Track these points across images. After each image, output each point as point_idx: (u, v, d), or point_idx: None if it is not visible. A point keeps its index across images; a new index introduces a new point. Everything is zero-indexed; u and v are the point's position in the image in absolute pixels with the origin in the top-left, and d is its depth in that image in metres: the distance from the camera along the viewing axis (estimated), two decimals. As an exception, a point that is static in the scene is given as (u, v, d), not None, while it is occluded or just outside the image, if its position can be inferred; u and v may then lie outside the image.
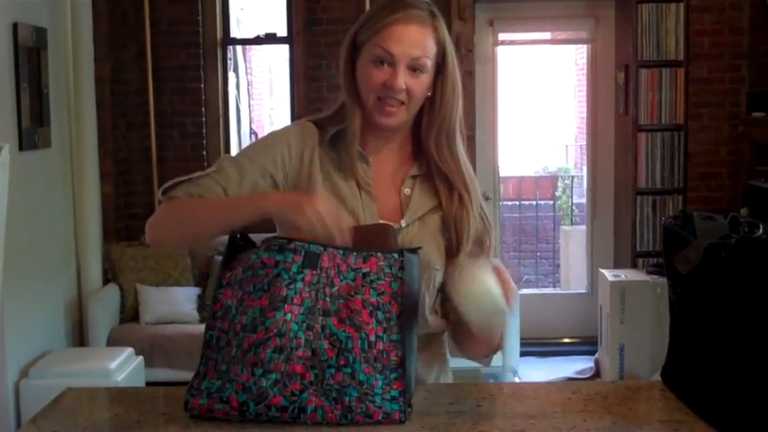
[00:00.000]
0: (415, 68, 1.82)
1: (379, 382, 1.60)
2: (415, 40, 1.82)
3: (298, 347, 1.59)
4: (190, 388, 1.65)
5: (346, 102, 1.90)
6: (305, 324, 1.60)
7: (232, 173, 1.86)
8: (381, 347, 1.61)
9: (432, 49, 1.84)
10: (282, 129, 1.99)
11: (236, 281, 1.66)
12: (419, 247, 1.73)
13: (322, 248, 1.64)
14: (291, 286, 1.61)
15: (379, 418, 1.60)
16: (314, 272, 1.62)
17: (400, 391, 1.61)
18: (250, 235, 1.77)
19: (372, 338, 1.60)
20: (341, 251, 1.65)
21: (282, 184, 1.89)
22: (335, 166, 1.90)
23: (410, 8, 1.83)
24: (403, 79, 1.81)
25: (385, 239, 1.74)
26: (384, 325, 1.61)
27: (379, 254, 1.67)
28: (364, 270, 1.64)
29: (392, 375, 1.61)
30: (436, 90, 1.88)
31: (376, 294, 1.63)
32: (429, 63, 1.84)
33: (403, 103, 1.84)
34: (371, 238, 1.73)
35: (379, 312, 1.62)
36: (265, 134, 2.01)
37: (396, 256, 1.67)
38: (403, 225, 1.88)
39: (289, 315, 1.60)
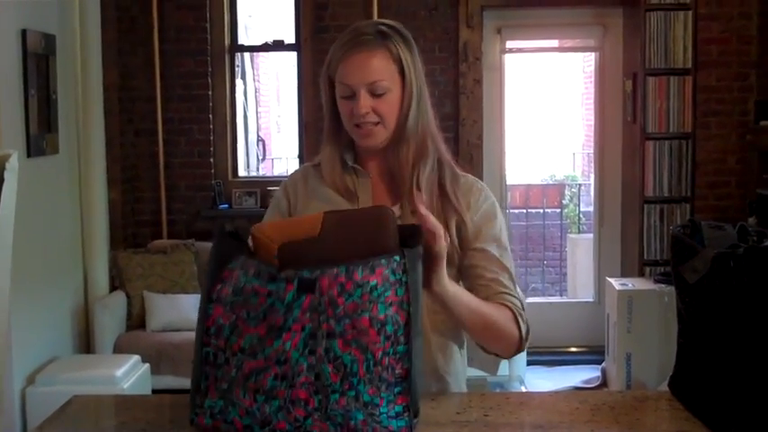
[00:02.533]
0: (375, 92, 1.92)
1: (384, 401, 1.56)
2: (367, 68, 1.92)
3: (300, 373, 1.55)
4: (194, 406, 1.63)
5: (324, 135, 2.04)
6: (307, 349, 1.55)
7: None
8: (387, 363, 1.56)
9: (387, 69, 1.93)
10: (282, 183, 2.15)
11: (226, 301, 1.60)
12: (417, 226, 1.68)
13: (318, 272, 1.57)
14: (288, 314, 1.56)
15: None
16: (312, 296, 1.56)
17: (404, 406, 1.58)
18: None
19: (379, 356, 1.55)
20: (343, 269, 1.57)
21: None
22: (336, 191, 2.02)
23: (358, 36, 1.94)
24: (366, 104, 1.92)
25: (381, 225, 1.65)
26: (392, 339, 1.56)
27: (383, 260, 1.59)
28: (371, 283, 1.57)
29: (396, 389, 1.58)
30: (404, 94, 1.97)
31: (384, 309, 1.56)
32: (387, 84, 1.93)
33: (378, 123, 1.94)
34: (362, 226, 1.65)
35: (387, 327, 1.55)
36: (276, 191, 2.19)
37: (397, 259, 1.59)
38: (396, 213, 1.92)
39: (288, 343, 1.55)
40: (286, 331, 1.55)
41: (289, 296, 1.56)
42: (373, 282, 1.57)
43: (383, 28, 1.95)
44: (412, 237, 1.66)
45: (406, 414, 1.58)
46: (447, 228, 1.92)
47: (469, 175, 2.06)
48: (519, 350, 1.95)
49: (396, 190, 2.00)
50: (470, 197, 2.00)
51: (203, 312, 1.63)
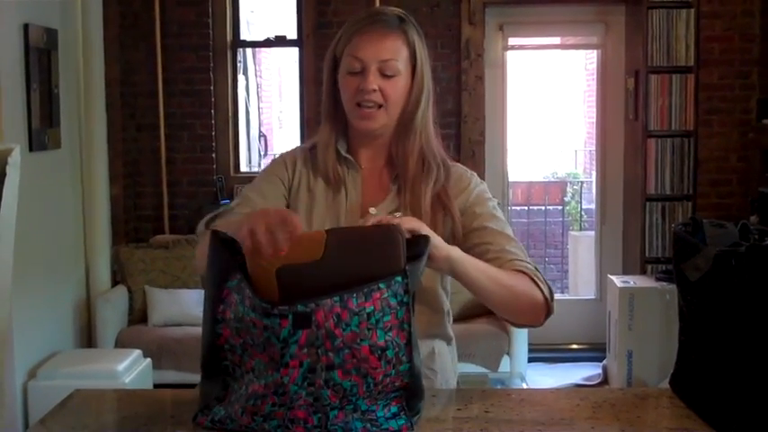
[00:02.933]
0: (385, 71, 1.91)
1: (380, 406, 1.57)
2: (382, 44, 1.91)
3: (298, 399, 1.54)
4: (203, 407, 1.64)
5: (322, 116, 2.03)
6: (306, 382, 1.53)
7: (254, 197, 2.00)
8: (388, 382, 1.55)
9: (401, 51, 1.93)
10: (281, 154, 2.13)
11: (231, 325, 1.59)
12: (425, 236, 1.66)
13: (313, 305, 1.52)
14: (285, 350, 1.53)
15: None
16: (309, 330, 1.52)
17: (399, 406, 1.58)
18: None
19: (380, 378, 1.53)
20: (337, 298, 1.52)
21: (288, 199, 2.03)
22: (324, 179, 2.01)
23: (377, 15, 1.96)
24: (374, 82, 1.90)
25: (390, 246, 1.57)
26: (393, 362, 1.54)
27: (381, 285, 1.54)
28: (368, 310, 1.53)
29: (392, 395, 1.58)
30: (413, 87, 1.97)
31: (383, 335, 1.52)
32: (399, 66, 1.92)
33: (381, 106, 1.92)
34: (369, 247, 1.57)
35: (388, 353, 1.53)
36: (271, 161, 2.16)
37: (399, 280, 1.55)
38: (372, 212, 1.94)
39: (286, 378, 1.53)
40: (283, 367, 1.53)
41: (284, 332, 1.53)
42: (370, 308, 1.53)
43: (402, 14, 1.96)
44: (417, 245, 1.63)
45: (402, 413, 1.58)
46: (435, 227, 1.89)
47: (458, 164, 2.06)
48: (548, 313, 1.89)
49: (385, 184, 2.00)
50: (461, 184, 2.00)
51: (212, 333, 1.61)
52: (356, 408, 1.55)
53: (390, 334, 1.53)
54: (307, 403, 1.53)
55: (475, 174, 2.05)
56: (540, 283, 1.86)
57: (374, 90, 1.90)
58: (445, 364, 2.04)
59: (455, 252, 1.76)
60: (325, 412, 1.54)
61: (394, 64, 1.91)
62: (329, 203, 1.99)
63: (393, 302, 1.54)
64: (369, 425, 1.56)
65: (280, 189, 2.02)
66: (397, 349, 1.54)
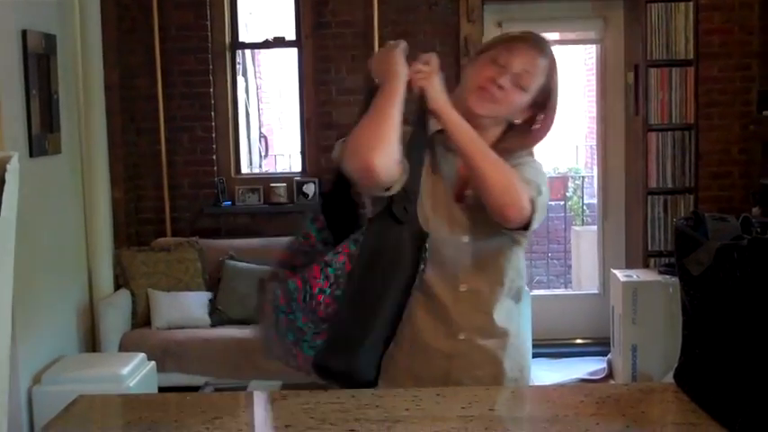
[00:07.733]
0: (518, 84, 2.02)
1: (310, 331, 1.86)
2: (529, 59, 2.05)
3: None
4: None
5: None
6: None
7: None
8: (322, 300, 1.84)
9: (539, 74, 2.07)
10: None
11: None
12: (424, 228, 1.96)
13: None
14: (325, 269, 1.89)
15: (300, 361, 1.91)
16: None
17: (324, 341, 1.87)
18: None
19: (315, 291, 1.83)
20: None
21: None
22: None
23: (543, 42, 2.13)
24: (507, 81, 2.02)
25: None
26: (331, 280, 1.84)
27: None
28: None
29: (323, 326, 1.86)
30: (536, 119, 2.12)
31: (331, 254, 1.85)
32: (532, 85, 2.05)
33: (496, 102, 2.02)
34: None
35: (329, 269, 1.84)
36: None
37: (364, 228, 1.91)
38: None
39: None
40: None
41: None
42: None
43: (551, 53, 2.11)
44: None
45: (321, 352, 1.88)
46: None
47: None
48: (530, 221, 1.94)
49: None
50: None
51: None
52: (295, 319, 1.85)
53: (337, 257, 1.86)
54: (271, 298, 1.91)
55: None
56: (533, 203, 1.94)
57: (503, 87, 2.01)
58: (515, 323, 2.09)
59: (450, 114, 1.95)
60: (277, 313, 1.87)
61: (529, 80, 2.03)
62: (433, 181, 2.05)
63: (351, 236, 1.89)
64: (298, 342, 1.87)
65: None
66: (339, 272, 1.84)
